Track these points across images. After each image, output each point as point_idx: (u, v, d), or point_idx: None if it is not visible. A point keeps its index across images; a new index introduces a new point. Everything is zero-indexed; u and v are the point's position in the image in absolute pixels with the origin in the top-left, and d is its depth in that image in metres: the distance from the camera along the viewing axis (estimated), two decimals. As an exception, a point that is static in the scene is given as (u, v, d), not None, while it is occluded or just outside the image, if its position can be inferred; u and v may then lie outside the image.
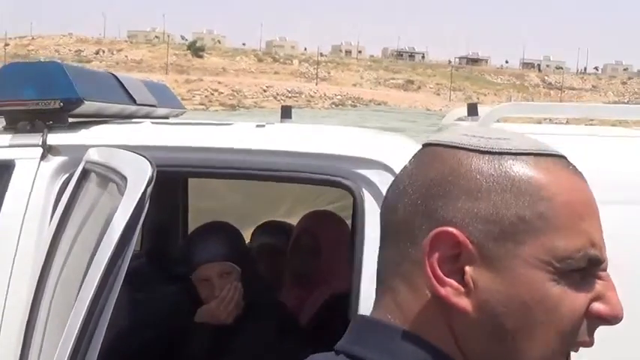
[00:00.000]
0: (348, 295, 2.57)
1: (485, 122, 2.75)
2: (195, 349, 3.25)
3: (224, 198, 6.13)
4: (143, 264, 4.31)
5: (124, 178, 1.99)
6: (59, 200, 2.65)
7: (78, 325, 1.88)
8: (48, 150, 2.78)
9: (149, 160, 1.98)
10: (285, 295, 3.59)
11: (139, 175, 1.92)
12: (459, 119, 3.36)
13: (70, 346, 1.85)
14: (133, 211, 1.85)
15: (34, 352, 2.41)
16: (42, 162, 2.78)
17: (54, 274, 2.50)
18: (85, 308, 1.88)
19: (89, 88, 2.90)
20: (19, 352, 2.53)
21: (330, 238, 3.50)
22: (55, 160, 2.79)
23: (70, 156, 2.77)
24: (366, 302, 2.42)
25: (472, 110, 3.17)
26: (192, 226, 4.61)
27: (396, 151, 2.63)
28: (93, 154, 2.54)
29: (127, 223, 1.85)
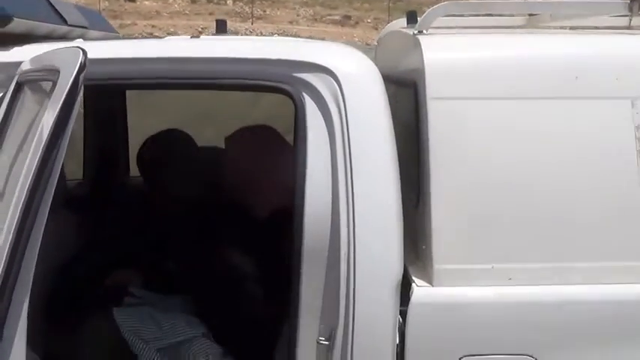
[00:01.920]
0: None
1: (424, 25, 2.74)
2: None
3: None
4: (86, 192, 4.26)
5: (57, 72, 1.95)
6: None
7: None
8: (-22, 68, 2.68)
9: (80, 48, 1.93)
10: None
11: (71, 63, 1.88)
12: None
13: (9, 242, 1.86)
14: (66, 97, 1.82)
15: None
16: (-28, 82, 2.69)
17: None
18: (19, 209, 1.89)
19: (18, 6, 2.84)
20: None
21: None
22: (-13, 78, 2.70)
23: (3, 75, 2.67)
24: (311, 210, 2.44)
25: (412, 18, 3.13)
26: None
27: (337, 55, 2.59)
28: (26, 65, 2.48)
29: (60, 110, 1.83)
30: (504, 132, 2.50)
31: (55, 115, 1.84)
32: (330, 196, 2.45)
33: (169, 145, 3.62)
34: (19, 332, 1.95)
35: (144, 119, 4.64)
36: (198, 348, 3.09)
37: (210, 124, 3.45)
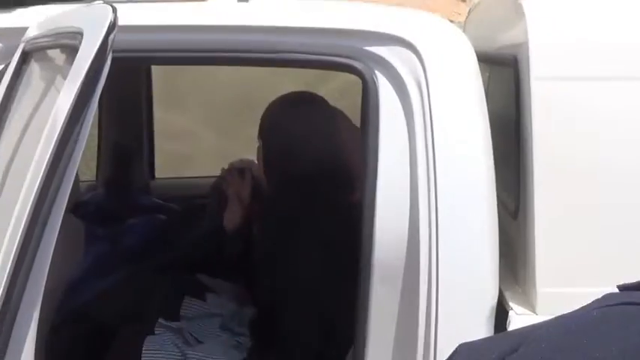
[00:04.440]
0: None
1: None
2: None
3: (196, 138, 5.88)
4: (100, 195, 4.10)
5: (79, 34, 1.81)
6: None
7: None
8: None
9: (108, 4, 1.80)
10: None
11: (97, 22, 1.74)
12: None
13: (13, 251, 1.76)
14: (92, 63, 1.68)
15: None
16: (-32, 51, 2.56)
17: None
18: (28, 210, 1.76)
19: None
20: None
21: None
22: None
23: (6, 43, 2.46)
24: (382, 218, 2.23)
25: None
26: (159, 169, 4.51)
27: (420, 25, 2.37)
28: (33, 30, 2.32)
29: (84, 81, 1.68)
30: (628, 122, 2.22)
31: (76, 89, 1.70)
32: (408, 199, 2.23)
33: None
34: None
35: (168, 113, 4.46)
36: None
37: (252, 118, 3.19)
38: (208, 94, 4.55)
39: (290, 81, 4.13)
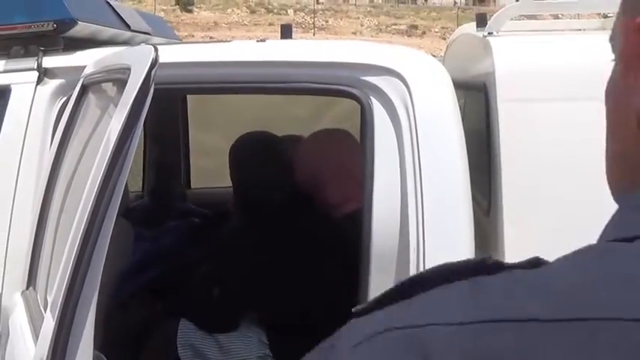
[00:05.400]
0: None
1: (495, 26, 2.78)
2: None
3: (224, 153, 6.14)
4: (145, 203, 4.41)
5: (127, 69, 1.99)
6: (58, 123, 2.69)
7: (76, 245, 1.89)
8: (44, 73, 2.84)
9: (151, 45, 1.99)
10: None
11: (142, 59, 1.91)
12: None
13: (72, 260, 1.88)
14: (137, 93, 1.84)
15: (42, 281, 2.49)
16: (38, 86, 2.83)
17: (56, 200, 2.55)
18: (80, 233, 1.88)
19: (82, 10, 2.95)
20: (25, 285, 2.62)
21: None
22: (52, 84, 2.84)
23: (67, 78, 2.81)
24: (378, 217, 2.46)
25: (481, 21, 3.16)
26: (194, 181, 4.82)
27: (406, 59, 2.62)
28: (90, 68, 2.57)
29: (131, 108, 1.84)
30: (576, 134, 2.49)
31: (125, 114, 1.86)
32: (399, 201, 2.47)
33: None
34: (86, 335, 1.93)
35: (201, 133, 4.73)
36: None
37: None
38: (234, 117, 4.75)
39: (301, 106, 4.37)
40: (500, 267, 0.78)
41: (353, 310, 0.81)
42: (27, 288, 2.54)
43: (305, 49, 2.79)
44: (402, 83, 2.51)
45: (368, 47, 2.79)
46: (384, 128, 2.52)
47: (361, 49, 2.74)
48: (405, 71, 2.53)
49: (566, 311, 0.70)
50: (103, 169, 1.86)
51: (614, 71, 0.91)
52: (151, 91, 1.86)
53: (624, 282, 0.71)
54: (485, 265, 0.80)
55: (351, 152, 3.24)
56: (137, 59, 1.96)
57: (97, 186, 1.87)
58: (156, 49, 1.90)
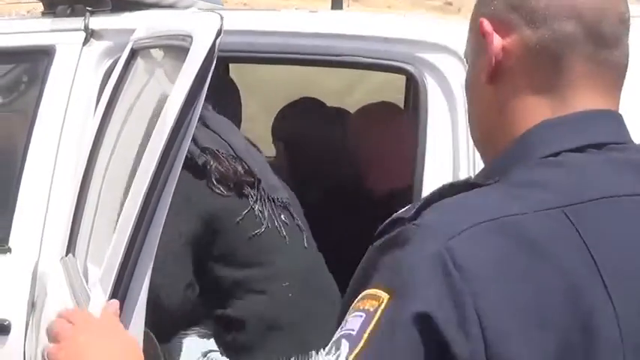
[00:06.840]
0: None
1: None
2: None
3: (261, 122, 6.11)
4: None
5: (188, 37, 1.91)
6: (104, 87, 2.63)
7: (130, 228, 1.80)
8: (90, 34, 2.77)
9: (217, 12, 1.91)
10: None
11: (206, 28, 1.84)
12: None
13: (126, 240, 1.80)
14: (202, 65, 1.77)
15: (81, 249, 2.42)
16: (84, 47, 2.76)
17: (100, 167, 2.50)
18: (138, 206, 1.79)
19: None
20: (64, 251, 2.55)
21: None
22: (99, 45, 2.77)
23: (115, 41, 2.74)
24: (430, 187, 2.32)
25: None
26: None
27: (462, 35, 2.55)
28: (141, 32, 2.49)
29: (194, 81, 1.76)
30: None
31: (188, 85, 1.78)
32: (451, 178, 2.41)
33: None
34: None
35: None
36: None
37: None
38: (270, 88, 4.73)
39: (333, 77, 4.33)
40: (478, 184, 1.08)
41: (395, 215, 1.06)
42: (66, 254, 2.49)
43: (358, 22, 2.73)
44: (459, 62, 2.45)
45: (425, 23, 2.78)
46: (439, 106, 2.48)
47: (418, 24, 2.72)
48: (461, 49, 2.45)
49: (589, 194, 1.03)
50: (164, 140, 1.78)
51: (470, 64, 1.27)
52: (214, 61, 1.79)
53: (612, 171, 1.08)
54: (473, 182, 1.08)
55: (404, 128, 3.15)
56: (201, 27, 1.89)
57: (156, 159, 1.79)
58: (221, 18, 1.84)
